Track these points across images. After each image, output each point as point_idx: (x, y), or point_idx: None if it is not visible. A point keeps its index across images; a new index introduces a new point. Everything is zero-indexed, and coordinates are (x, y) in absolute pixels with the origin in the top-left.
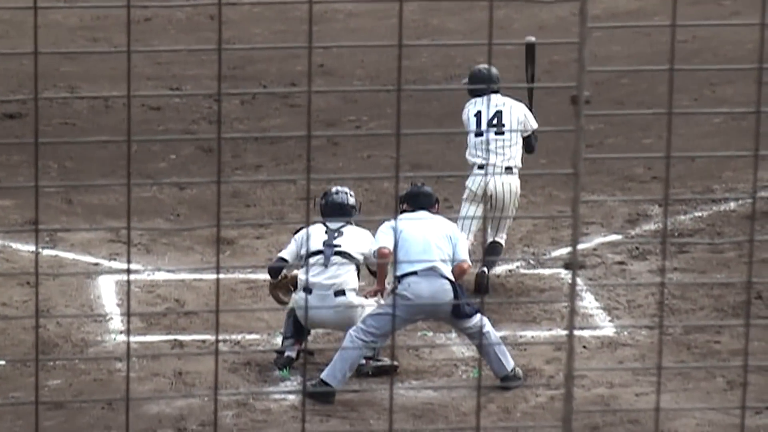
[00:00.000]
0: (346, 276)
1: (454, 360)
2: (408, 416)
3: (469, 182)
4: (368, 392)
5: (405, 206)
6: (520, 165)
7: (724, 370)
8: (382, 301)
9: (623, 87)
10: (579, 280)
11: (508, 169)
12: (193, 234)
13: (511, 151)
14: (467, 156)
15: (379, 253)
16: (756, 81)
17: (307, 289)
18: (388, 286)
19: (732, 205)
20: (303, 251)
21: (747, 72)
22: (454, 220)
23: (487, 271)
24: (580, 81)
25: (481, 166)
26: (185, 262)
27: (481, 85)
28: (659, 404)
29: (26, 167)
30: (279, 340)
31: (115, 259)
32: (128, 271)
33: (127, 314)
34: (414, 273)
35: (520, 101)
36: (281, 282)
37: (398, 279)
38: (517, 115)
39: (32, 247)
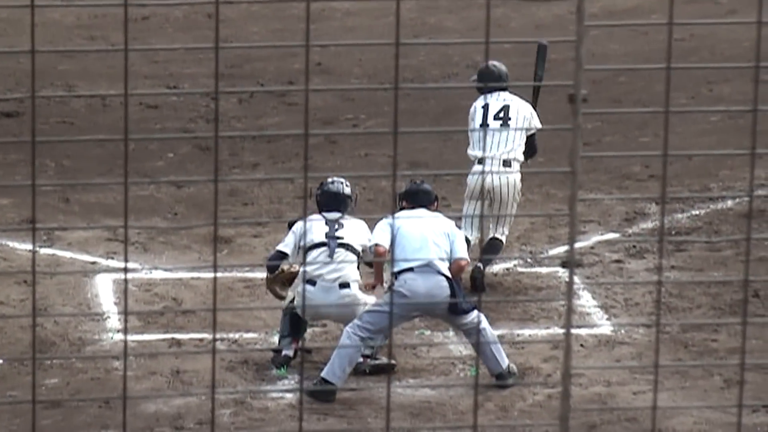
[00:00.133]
0: (350, 268)
1: (451, 358)
2: (405, 414)
3: (468, 179)
4: (366, 391)
5: (404, 203)
6: (521, 159)
7: (721, 369)
8: (381, 291)
9: (620, 85)
10: (576, 279)
11: (507, 163)
12: (190, 232)
13: (513, 144)
14: (468, 151)
15: (376, 252)
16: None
17: (311, 282)
18: (385, 285)
19: (729, 203)
20: (302, 243)
21: (744, 70)
22: (452, 217)
23: (482, 267)
24: (577, 79)
25: (480, 161)
26: (182, 261)
27: (490, 82)
28: (656, 402)
29: (23, 166)
30: (276, 338)
31: (112, 258)
32: (125, 270)
33: (125, 313)
34: (410, 270)
35: (527, 101)
36: (279, 276)
37: (395, 275)
38: (524, 113)
39: (29, 246)
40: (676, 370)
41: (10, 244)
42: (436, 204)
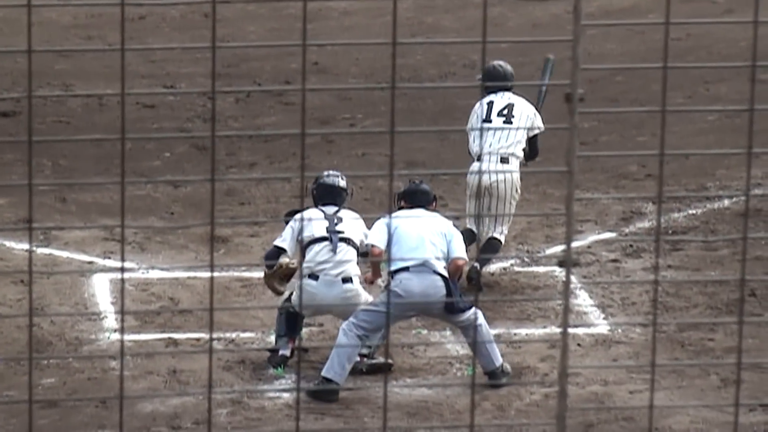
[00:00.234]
0: (352, 262)
1: (448, 358)
2: (402, 414)
3: (468, 177)
4: (363, 390)
5: (403, 203)
6: (519, 155)
7: (718, 368)
8: (378, 290)
9: (617, 85)
10: (573, 278)
11: (505, 160)
12: (187, 232)
13: (513, 140)
14: (469, 147)
15: (372, 253)
16: (749, 78)
17: (314, 276)
18: (383, 282)
19: (726, 202)
20: (301, 238)
21: (740, 69)
22: (450, 217)
23: (479, 267)
24: (574, 79)
25: (479, 158)
26: (179, 261)
27: (496, 81)
28: (653, 401)
29: (20, 165)
30: (273, 338)
31: (109, 258)
32: (122, 270)
33: (121, 312)
34: (406, 269)
35: (531, 103)
36: (277, 271)
37: (391, 275)
38: (527, 113)
39: (26, 246)
40: (673, 369)
41: (7, 243)
42: (434, 204)
